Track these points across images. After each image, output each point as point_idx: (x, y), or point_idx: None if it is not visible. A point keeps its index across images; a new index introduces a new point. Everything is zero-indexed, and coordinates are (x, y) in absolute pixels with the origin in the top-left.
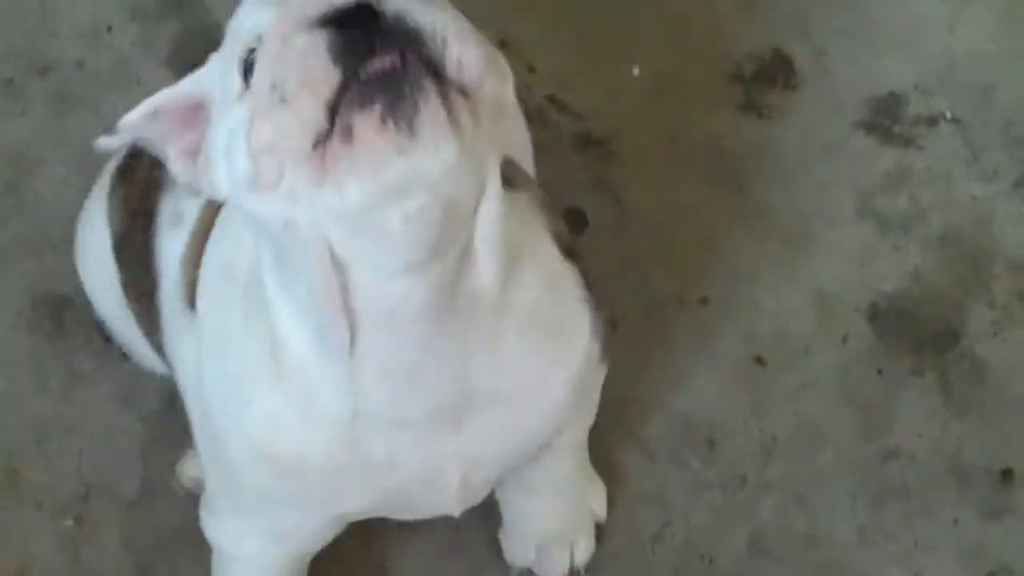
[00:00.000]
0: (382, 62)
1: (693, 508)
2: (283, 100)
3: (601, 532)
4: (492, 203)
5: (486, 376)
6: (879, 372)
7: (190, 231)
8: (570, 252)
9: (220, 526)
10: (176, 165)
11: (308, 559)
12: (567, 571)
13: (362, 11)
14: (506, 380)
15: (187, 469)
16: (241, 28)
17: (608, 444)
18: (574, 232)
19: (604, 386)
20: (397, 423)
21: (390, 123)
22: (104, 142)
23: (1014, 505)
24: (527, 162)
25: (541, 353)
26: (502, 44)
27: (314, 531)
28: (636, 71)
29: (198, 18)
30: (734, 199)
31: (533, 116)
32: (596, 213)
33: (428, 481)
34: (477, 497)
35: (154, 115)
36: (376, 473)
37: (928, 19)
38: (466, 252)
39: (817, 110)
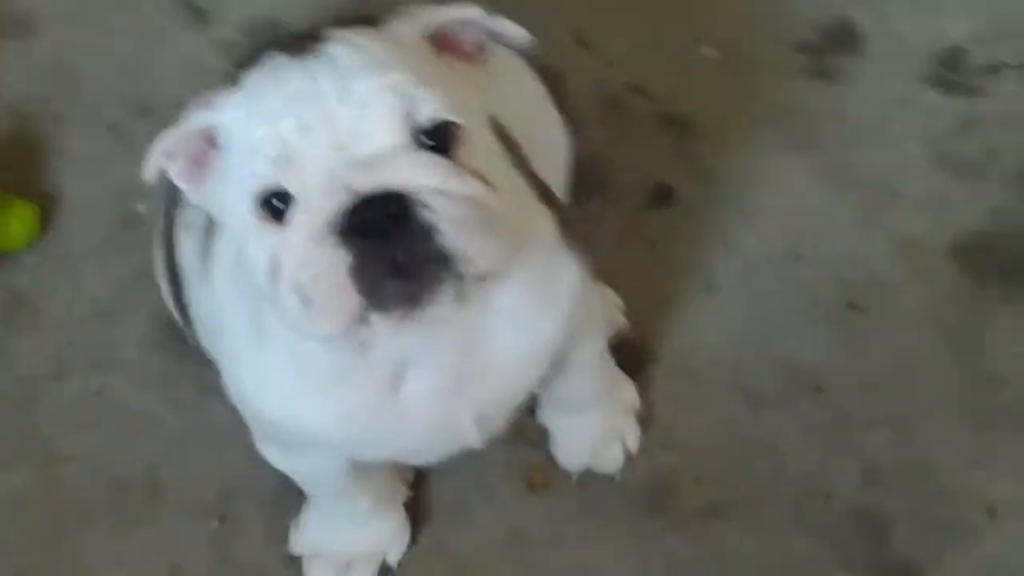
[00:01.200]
0: (402, 289)
1: (806, 450)
2: (308, 306)
3: (721, 481)
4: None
5: (484, 334)
6: (969, 305)
7: (200, 225)
8: (548, 200)
9: (268, 453)
10: (190, 191)
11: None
12: (622, 460)
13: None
14: (504, 325)
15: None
16: (253, 144)
17: (717, 397)
18: (663, 206)
19: (711, 347)
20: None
21: (407, 321)
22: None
23: None
24: (560, 157)
25: (534, 302)
26: (578, 41)
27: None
28: (706, 51)
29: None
30: (814, 161)
31: (614, 105)
32: (684, 188)
33: (442, 428)
34: (496, 430)
35: (169, 154)
36: (386, 429)
37: None
38: None
39: (884, 70)
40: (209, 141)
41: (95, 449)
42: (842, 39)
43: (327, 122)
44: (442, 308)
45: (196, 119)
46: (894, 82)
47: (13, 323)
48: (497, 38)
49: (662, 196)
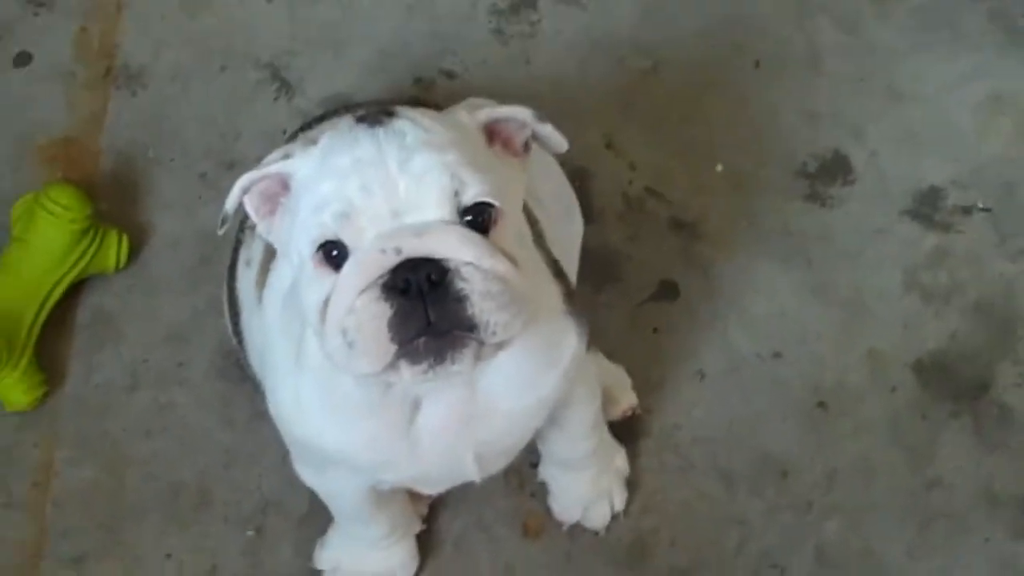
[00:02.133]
0: (432, 346)
1: (768, 527)
2: (350, 347)
3: (688, 547)
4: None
5: (490, 376)
6: (923, 416)
7: (258, 261)
8: (558, 274)
9: (303, 472)
10: (259, 225)
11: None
12: (609, 518)
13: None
14: (506, 379)
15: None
16: (322, 198)
17: (697, 473)
18: (667, 299)
19: (696, 427)
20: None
21: (431, 373)
22: (221, 231)
23: None
24: (575, 241)
25: (535, 361)
26: (608, 146)
27: (371, 483)
28: (719, 168)
29: None
30: (802, 274)
31: (633, 204)
32: (686, 284)
33: (447, 461)
34: (494, 469)
35: (244, 191)
36: (399, 457)
37: (962, 128)
38: None
39: (870, 201)
40: (283, 185)
41: (156, 455)
42: (836, 171)
43: (387, 187)
44: (462, 367)
45: (275, 165)
46: (878, 213)
47: (97, 338)
48: (540, 139)
49: (667, 291)
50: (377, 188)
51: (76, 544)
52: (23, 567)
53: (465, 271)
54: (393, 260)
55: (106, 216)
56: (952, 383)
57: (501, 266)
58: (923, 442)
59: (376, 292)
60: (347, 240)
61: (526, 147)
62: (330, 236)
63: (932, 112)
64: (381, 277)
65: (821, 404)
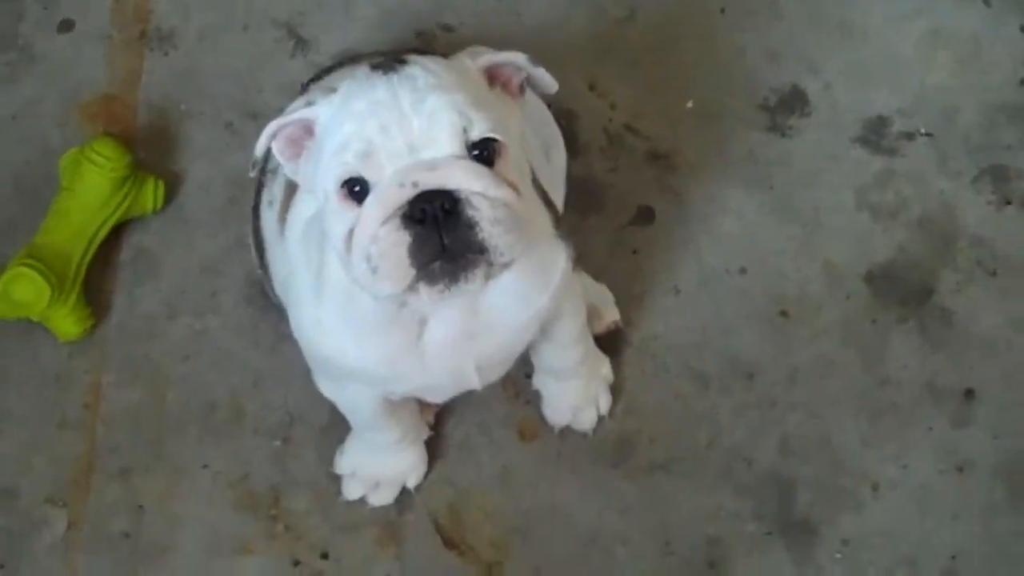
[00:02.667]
0: (447, 268)
1: (737, 424)
2: (374, 272)
3: (656, 436)
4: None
5: (490, 295)
6: (873, 321)
7: (279, 201)
8: (547, 202)
9: (322, 385)
10: (286, 166)
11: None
12: (596, 421)
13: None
14: (504, 298)
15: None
16: (344, 138)
17: (673, 377)
18: (645, 223)
19: (671, 336)
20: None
21: (445, 293)
22: (253, 173)
23: (975, 416)
24: (561, 172)
25: (530, 281)
26: (590, 88)
27: (384, 394)
28: (690, 104)
29: None
30: (764, 197)
31: (614, 139)
32: (662, 210)
33: (451, 372)
34: (493, 378)
35: (272, 136)
36: (410, 370)
37: (907, 61)
38: None
39: (824, 130)
40: (306, 130)
41: (193, 376)
42: (794, 103)
43: (402, 126)
44: (474, 286)
45: (299, 112)
46: (831, 140)
47: (138, 273)
48: (534, 80)
49: (645, 216)
50: (394, 127)
51: (123, 458)
52: (77, 480)
53: (475, 200)
54: (410, 193)
55: (144, 164)
56: (899, 290)
57: (506, 194)
58: (874, 344)
59: (396, 222)
60: (368, 176)
61: (521, 89)
62: (353, 173)
63: (879, 47)
64: (400, 208)
65: (783, 312)
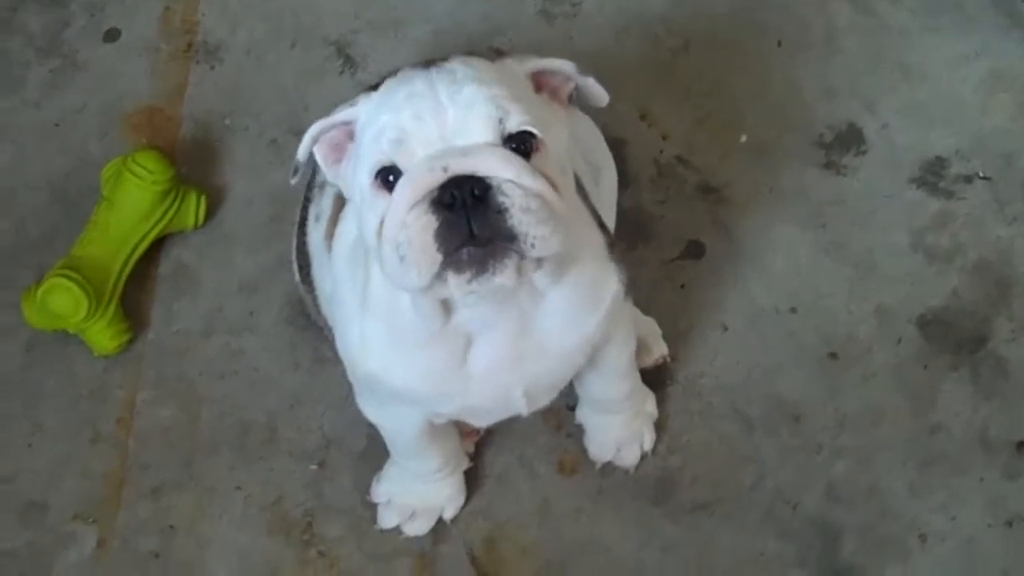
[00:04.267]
0: (475, 255)
1: (782, 466)
2: (402, 260)
3: (705, 481)
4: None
5: (540, 316)
6: (925, 367)
7: (327, 216)
8: (600, 225)
9: (364, 407)
10: (327, 172)
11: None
12: (639, 457)
13: (471, 185)
14: (555, 319)
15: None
16: (379, 128)
17: (718, 416)
18: (694, 258)
19: (718, 375)
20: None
21: (473, 283)
22: (294, 180)
23: None
24: (612, 198)
25: (581, 303)
26: (642, 117)
27: (427, 416)
28: (744, 138)
29: None
30: (817, 235)
31: (665, 170)
32: (711, 244)
33: (498, 393)
34: (541, 403)
35: (315, 140)
36: (456, 390)
37: (966, 103)
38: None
39: (881, 169)
40: (348, 135)
41: (228, 396)
42: (850, 141)
43: (437, 115)
44: (504, 278)
45: (342, 113)
46: (887, 180)
47: (177, 288)
48: (583, 91)
49: (694, 250)
50: (428, 116)
51: (155, 476)
52: (107, 497)
53: (506, 187)
54: (440, 177)
55: (186, 178)
56: (952, 336)
57: (540, 185)
58: (925, 390)
59: (425, 207)
60: (401, 164)
61: (570, 98)
62: (386, 162)
63: (938, 88)
64: (430, 193)
65: (832, 354)
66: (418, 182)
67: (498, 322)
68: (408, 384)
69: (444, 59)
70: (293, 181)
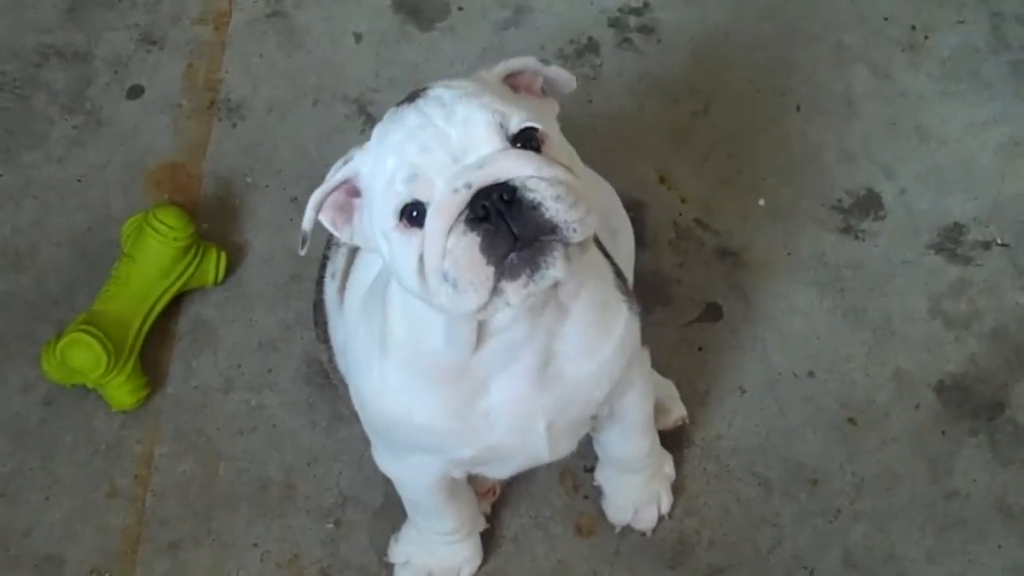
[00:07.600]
0: (524, 256)
1: (800, 531)
2: (455, 287)
3: (721, 546)
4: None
5: (559, 340)
6: (943, 433)
7: (341, 271)
8: (617, 273)
9: (381, 460)
10: (340, 235)
11: (463, 475)
12: (656, 520)
13: (501, 191)
14: (572, 343)
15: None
16: (389, 173)
17: (735, 479)
18: (712, 320)
19: (735, 438)
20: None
21: (530, 285)
22: (303, 251)
23: None
24: (630, 256)
25: (595, 325)
26: (661, 180)
27: (446, 467)
28: (762, 202)
29: None
30: (835, 300)
31: (683, 233)
32: (729, 307)
33: (521, 429)
34: (563, 447)
35: (317, 208)
36: (477, 427)
37: (985, 169)
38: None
39: (899, 234)
40: (350, 192)
41: (246, 452)
42: (868, 206)
43: (441, 141)
44: (557, 269)
45: (339, 173)
46: (905, 245)
47: (196, 344)
48: (551, 82)
49: (712, 313)
50: (433, 144)
51: (172, 531)
52: (124, 552)
53: (531, 183)
54: (466, 196)
55: (207, 235)
56: (971, 403)
57: (560, 172)
58: (943, 456)
59: (461, 227)
60: (422, 197)
61: (543, 90)
62: (407, 200)
63: (956, 154)
64: (461, 214)
65: (850, 419)
66: (447, 208)
67: (521, 351)
68: (430, 422)
69: (424, 89)
70: (302, 252)
